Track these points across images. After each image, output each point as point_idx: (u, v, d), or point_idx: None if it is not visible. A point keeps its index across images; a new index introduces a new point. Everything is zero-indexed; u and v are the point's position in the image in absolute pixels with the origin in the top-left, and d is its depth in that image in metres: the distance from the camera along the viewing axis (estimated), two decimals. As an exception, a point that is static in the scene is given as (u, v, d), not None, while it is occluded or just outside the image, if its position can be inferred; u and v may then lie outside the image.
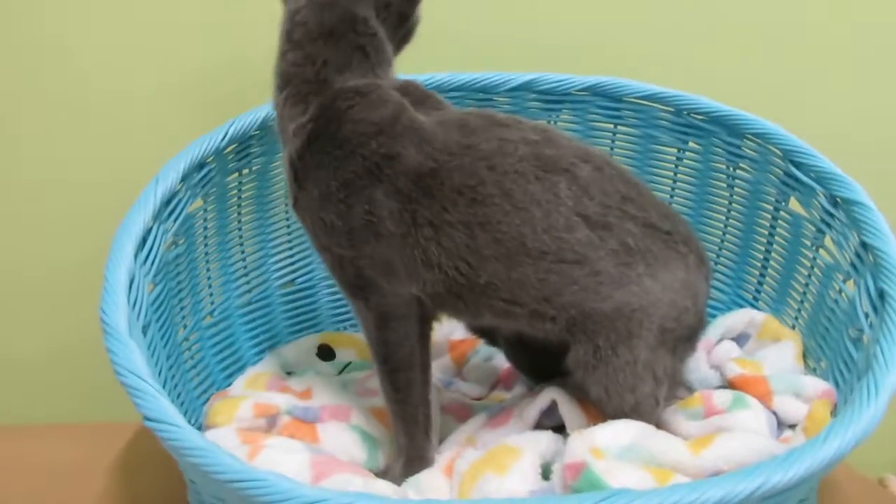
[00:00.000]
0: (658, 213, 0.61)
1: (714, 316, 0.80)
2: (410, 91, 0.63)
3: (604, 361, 0.58)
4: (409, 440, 0.61)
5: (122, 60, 0.86)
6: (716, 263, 0.85)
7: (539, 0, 0.88)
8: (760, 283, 0.81)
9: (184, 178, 0.68)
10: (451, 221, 0.57)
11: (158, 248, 0.65)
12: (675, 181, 0.85)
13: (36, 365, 0.95)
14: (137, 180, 0.66)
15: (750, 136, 0.77)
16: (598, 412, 0.62)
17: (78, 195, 0.90)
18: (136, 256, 0.60)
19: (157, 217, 0.64)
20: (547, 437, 0.59)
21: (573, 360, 0.60)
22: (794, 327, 0.76)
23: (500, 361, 0.80)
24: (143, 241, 0.62)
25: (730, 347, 0.74)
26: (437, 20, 0.88)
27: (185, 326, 0.72)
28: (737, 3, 0.88)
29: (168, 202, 0.66)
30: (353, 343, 0.83)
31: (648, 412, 0.60)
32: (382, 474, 0.61)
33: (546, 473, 0.57)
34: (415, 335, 0.62)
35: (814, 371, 0.70)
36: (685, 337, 0.62)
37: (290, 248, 0.85)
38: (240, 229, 0.80)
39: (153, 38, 0.85)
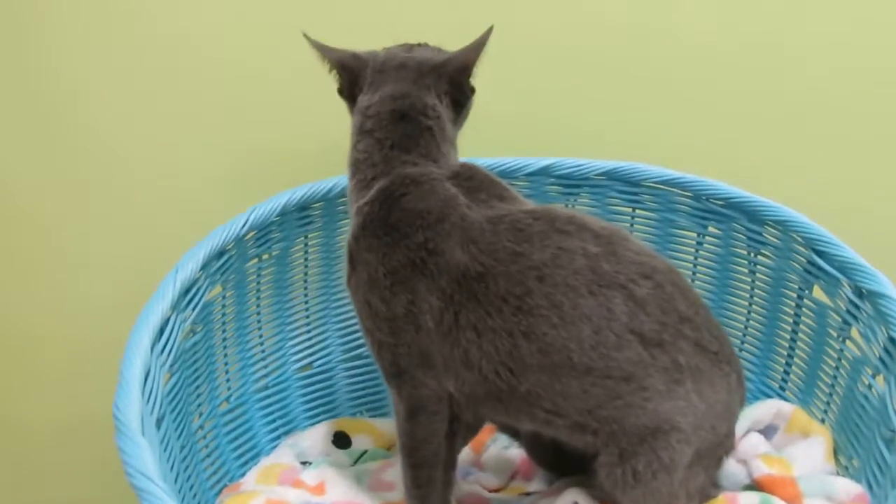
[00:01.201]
0: (710, 333, 0.60)
1: (740, 406, 0.78)
2: (469, 177, 0.62)
3: (642, 483, 0.57)
4: None
5: (155, 152, 0.88)
6: (740, 350, 0.83)
7: (558, 86, 0.89)
8: (787, 373, 0.79)
9: (203, 267, 0.69)
10: (494, 327, 0.56)
11: (176, 338, 0.65)
12: (695, 265, 0.85)
13: (52, 446, 0.95)
14: (167, 263, 0.67)
15: (771, 223, 0.76)
16: (621, 515, 0.60)
17: (110, 277, 0.91)
18: (152, 348, 0.60)
19: (175, 307, 0.65)
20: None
21: (609, 477, 0.58)
22: (823, 420, 0.73)
23: (520, 450, 0.78)
24: (161, 331, 0.62)
25: (757, 441, 0.72)
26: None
27: (200, 414, 0.72)
28: (755, 87, 0.88)
29: (187, 291, 0.67)
30: (370, 430, 0.81)
31: None
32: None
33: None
34: (442, 433, 0.61)
35: (846, 469, 0.67)
36: (717, 457, 0.62)
37: (309, 331, 0.85)
38: (258, 314, 0.80)
39: (184, 130, 0.88)
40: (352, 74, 0.64)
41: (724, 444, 0.62)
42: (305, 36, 0.64)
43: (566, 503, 0.60)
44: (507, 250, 0.58)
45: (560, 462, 0.69)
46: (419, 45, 0.66)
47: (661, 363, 0.56)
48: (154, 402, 0.59)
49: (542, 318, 0.56)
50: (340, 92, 0.66)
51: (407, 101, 0.62)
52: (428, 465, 0.60)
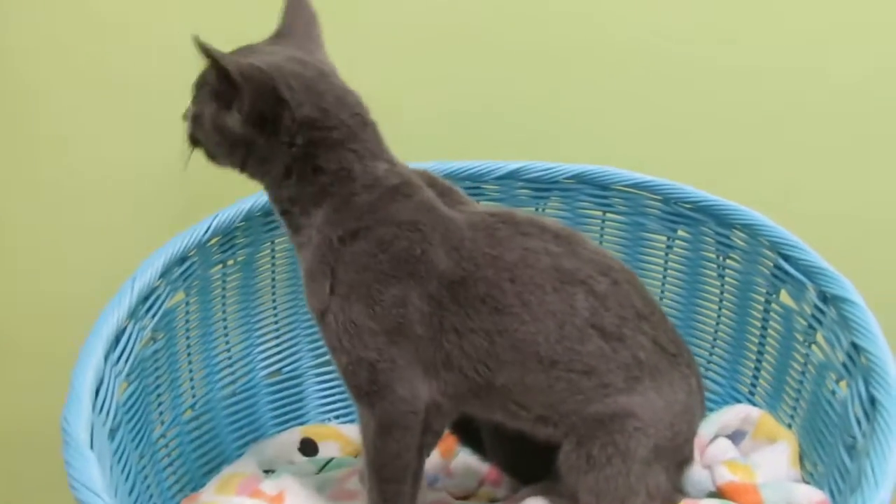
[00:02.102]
0: (667, 336, 0.62)
1: (710, 409, 0.78)
2: (434, 183, 0.63)
3: (596, 468, 0.58)
4: None
5: (110, 154, 0.88)
6: (710, 355, 0.82)
7: (527, 88, 0.89)
8: (756, 377, 0.78)
9: (163, 274, 0.68)
10: (473, 328, 0.58)
11: (134, 346, 0.64)
12: (665, 269, 0.84)
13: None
14: (129, 268, 0.66)
15: (738, 227, 0.76)
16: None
17: (70, 282, 0.90)
18: (106, 358, 0.59)
19: (133, 315, 0.64)
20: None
21: (565, 462, 0.59)
22: (790, 426, 0.73)
23: (488, 458, 0.77)
24: (117, 340, 0.62)
25: (725, 446, 0.71)
26: (425, 109, 0.90)
27: (162, 423, 0.71)
28: (724, 90, 0.88)
29: (146, 299, 0.66)
30: (337, 436, 0.81)
31: None
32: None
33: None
34: (415, 447, 0.60)
35: (811, 475, 0.67)
36: (676, 462, 0.62)
37: (278, 337, 0.85)
38: (224, 320, 0.80)
39: (141, 131, 0.87)
40: (263, 95, 0.55)
41: (682, 449, 0.62)
42: (197, 42, 0.53)
43: (525, 512, 0.60)
44: (485, 256, 0.59)
45: (524, 468, 0.68)
46: (273, 42, 0.61)
47: (621, 358, 0.59)
48: (107, 413, 0.58)
49: (514, 316, 0.58)
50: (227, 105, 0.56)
51: (360, 104, 0.60)
52: (397, 479, 0.59)
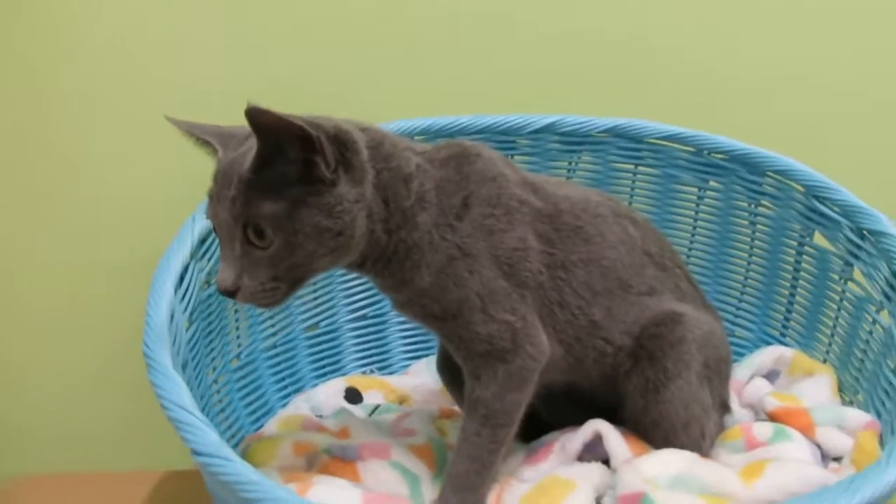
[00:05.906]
0: (687, 276, 0.69)
1: (742, 355, 0.80)
2: None
3: (671, 380, 0.61)
4: (477, 487, 0.59)
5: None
6: (739, 302, 0.85)
7: (559, 43, 0.90)
8: (787, 320, 0.81)
9: (217, 218, 0.68)
10: (574, 260, 0.62)
11: (195, 287, 0.64)
12: (696, 220, 0.86)
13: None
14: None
15: (771, 174, 0.78)
16: (642, 446, 0.61)
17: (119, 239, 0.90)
18: (175, 291, 0.59)
19: (193, 255, 0.64)
20: (599, 470, 0.58)
21: (634, 387, 0.62)
22: (825, 361, 0.76)
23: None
24: (181, 278, 0.62)
25: (761, 384, 0.74)
26: (459, 65, 0.91)
27: (214, 368, 0.71)
28: (754, 43, 0.90)
29: (203, 241, 0.66)
30: (381, 385, 0.82)
31: (696, 436, 0.61)
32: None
33: (598, 508, 0.56)
34: (531, 394, 0.61)
35: (850, 404, 0.70)
36: (720, 400, 0.66)
37: (315, 292, 0.85)
38: (267, 271, 0.80)
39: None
40: (336, 138, 0.53)
41: (724, 379, 0.66)
42: (252, 111, 0.47)
43: (588, 433, 0.61)
44: (555, 194, 0.64)
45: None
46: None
47: (668, 285, 0.65)
48: (178, 348, 0.58)
49: (598, 245, 0.63)
50: (326, 168, 0.52)
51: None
52: (512, 423, 0.60)
